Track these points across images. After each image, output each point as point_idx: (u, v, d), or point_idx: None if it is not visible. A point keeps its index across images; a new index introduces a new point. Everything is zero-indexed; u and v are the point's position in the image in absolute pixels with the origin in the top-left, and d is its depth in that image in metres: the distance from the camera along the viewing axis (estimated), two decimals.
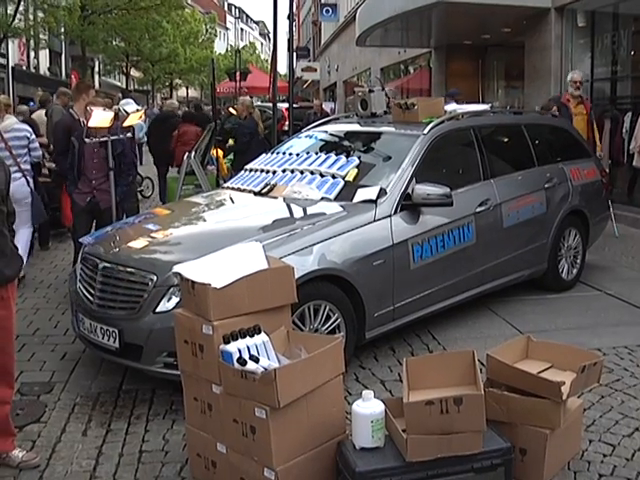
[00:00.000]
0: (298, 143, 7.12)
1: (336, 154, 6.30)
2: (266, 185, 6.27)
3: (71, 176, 7.34)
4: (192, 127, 12.88)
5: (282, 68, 50.08)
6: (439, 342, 5.92)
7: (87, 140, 6.89)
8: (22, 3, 27.90)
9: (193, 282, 3.65)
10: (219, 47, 73.12)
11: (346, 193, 5.79)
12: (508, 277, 6.73)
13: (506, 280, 6.73)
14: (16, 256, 4.03)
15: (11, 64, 34.79)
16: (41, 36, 32.29)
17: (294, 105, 11.92)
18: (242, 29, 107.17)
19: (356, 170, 5.99)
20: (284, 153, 6.85)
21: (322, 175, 6.08)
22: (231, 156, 12.03)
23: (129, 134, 7.50)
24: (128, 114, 7.43)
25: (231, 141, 11.65)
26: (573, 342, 5.04)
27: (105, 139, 7.02)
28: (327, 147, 6.69)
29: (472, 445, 3.42)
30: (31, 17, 31.77)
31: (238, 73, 28.59)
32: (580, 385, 3.82)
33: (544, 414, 3.65)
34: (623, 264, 8.56)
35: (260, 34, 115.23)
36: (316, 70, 43.35)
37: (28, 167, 7.74)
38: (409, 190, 5.69)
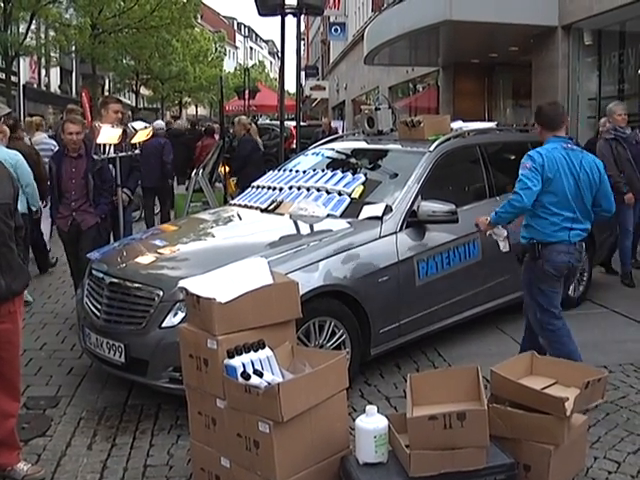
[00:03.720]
0: (305, 160, 7.17)
1: (342, 171, 6.35)
2: (273, 202, 6.31)
3: (53, 200, 7.14)
4: (213, 140, 14.62)
5: (291, 87, 50.26)
6: (445, 359, 5.91)
7: (95, 157, 6.92)
8: (34, 22, 28.15)
9: (198, 297, 3.68)
10: (228, 65, 73.51)
11: (352, 210, 5.81)
12: (514, 294, 6.69)
13: (512, 297, 6.70)
14: (23, 270, 4.05)
15: (22, 82, 35.07)
16: (52, 54, 32.60)
17: (302, 123, 11.99)
18: (251, 48, 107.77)
19: (362, 187, 6.03)
20: (291, 170, 6.90)
21: (328, 192, 6.11)
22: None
23: (137, 151, 7.51)
24: (136, 131, 7.43)
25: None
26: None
27: (114, 156, 7.06)
28: (333, 164, 6.72)
29: (475, 461, 3.43)
30: (42, 36, 32.06)
31: (247, 91, 28.71)
32: (584, 401, 3.82)
33: (548, 430, 3.64)
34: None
35: (269, 53, 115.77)
36: (324, 89, 43.53)
37: None
38: (415, 207, 5.72)
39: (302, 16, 10.45)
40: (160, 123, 14.26)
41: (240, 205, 6.73)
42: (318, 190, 6.20)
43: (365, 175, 6.22)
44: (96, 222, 6.91)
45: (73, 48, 33.96)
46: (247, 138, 11.89)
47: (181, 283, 3.92)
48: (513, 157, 7.54)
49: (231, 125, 14.29)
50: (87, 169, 6.83)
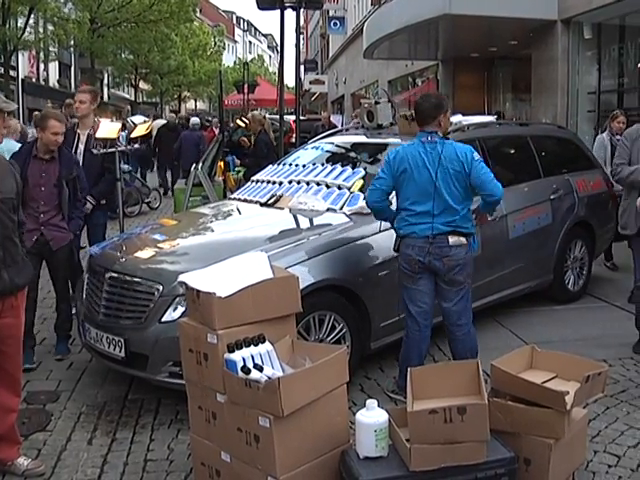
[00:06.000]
0: (304, 154, 7.16)
1: (342, 165, 6.33)
2: (272, 196, 6.30)
3: None
4: (207, 134, 16.75)
5: (290, 81, 50.16)
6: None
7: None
8: (32, 16, 28.10)
9: (198, 291, 3.67)
10: (227, 60, 73.39)
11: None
12: (514, 288, 6.73)
13: (512, 291, 6.73)
14: (27, 265, 4.06)
15: (21, 76, 35.01)
16: (51, 48, 32.52)
17: (302, 117, 11.98)
18: (250, 42, 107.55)
19: (362, 181, 6.01)
20: (290, 164, 6.89)
21: (328, 186, 6.10)
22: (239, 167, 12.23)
23: (136, 145, 7.47)
24: (135, 125, 7.42)
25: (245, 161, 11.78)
26: (579, 353, 5.00)
27: (112, 150, 6.98)
28: (333, 158, 6.71)
29: (476, 455, 3.42)
30: (41, 30, 32.00)
31: (246, 86, 28.70)
32: (584, 395, 3.81)
33: (548, 424, 3.64)
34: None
35: (268, 47, 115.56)
36: (324, 83, 43.43)
37: None
38: None
39: (301, 10, 10.45)
40: (196, 119, 17.91)
41: (240, 199, 6.72)
42: (318, 184, 6.19)
43: (365, 169, 6.21)
44: (69, 240, 5.91)
45: (72, 42, 33.92)
46: (263, 137, 11.52)
47: (181, 277, 3.92)
48: (513, 151, 7.56)
49: (233, 119, 14.48)
50: (61, 175, 5.76)
